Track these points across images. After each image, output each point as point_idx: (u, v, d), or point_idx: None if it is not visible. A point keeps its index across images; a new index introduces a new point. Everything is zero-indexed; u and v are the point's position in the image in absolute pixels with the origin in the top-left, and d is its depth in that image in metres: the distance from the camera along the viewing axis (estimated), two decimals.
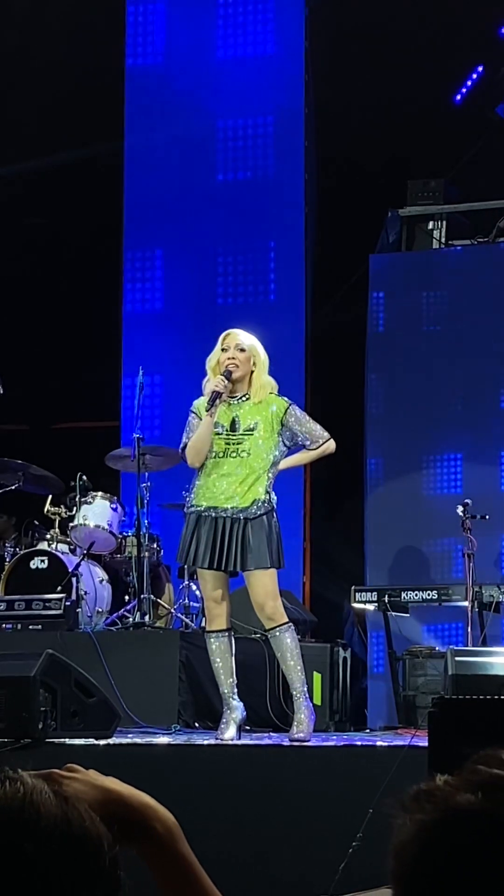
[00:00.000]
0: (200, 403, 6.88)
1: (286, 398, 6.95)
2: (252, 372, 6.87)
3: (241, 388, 6.87)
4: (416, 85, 10.71)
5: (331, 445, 6.96)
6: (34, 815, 1.43)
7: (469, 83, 11.06)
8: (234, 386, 6.86)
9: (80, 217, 11.49)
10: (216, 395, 6.74)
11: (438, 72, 10.83)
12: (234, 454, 6.81)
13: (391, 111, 10.73)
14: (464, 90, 11.06)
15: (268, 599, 6.74)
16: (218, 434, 6.82)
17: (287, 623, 6.79)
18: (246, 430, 6.81)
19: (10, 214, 11.67)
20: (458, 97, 11.06)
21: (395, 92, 10.72)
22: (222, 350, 6.86)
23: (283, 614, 6.80)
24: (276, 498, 6.87)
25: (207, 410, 6.77)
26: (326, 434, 6.93)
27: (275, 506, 6.84)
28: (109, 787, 1.60)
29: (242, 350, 6.84)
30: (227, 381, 6.77)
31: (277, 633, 6.76)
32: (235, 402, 6.87)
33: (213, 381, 6.80)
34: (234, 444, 6.81)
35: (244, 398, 6.87)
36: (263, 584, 6.74)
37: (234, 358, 6.81)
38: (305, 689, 6.85)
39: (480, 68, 11.01)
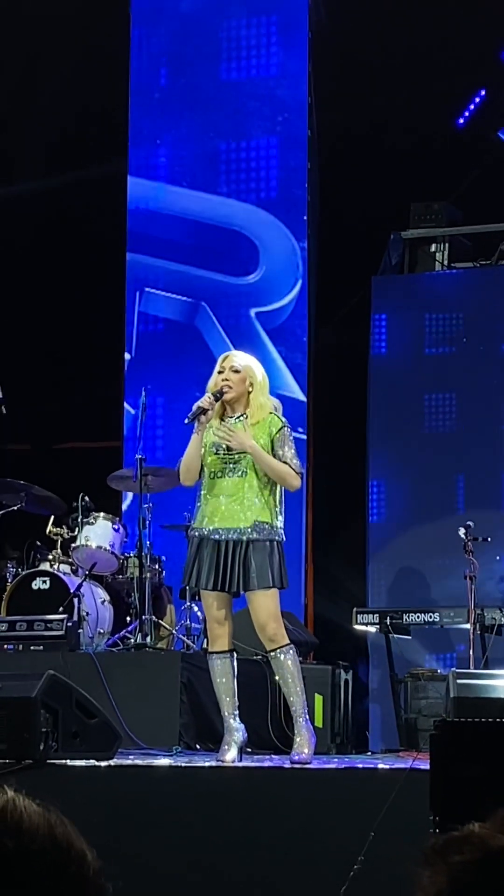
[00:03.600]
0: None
1: (284, 420, 6.94)
2: (249, 392, 6.87)
3: (239, 407, 6.88)
4: (418, 108, 10.75)
5: (296, 481, 6.89)
6: (17, 817, 1.45)
7: (471, 106, 11.09)
8: (232, 406, 6.87)
9: (82, 233, 11.52)
10: (200, 411, 6.75)
11: (441, 95, 10.86)
12: (232, 473, 6.80)
13: (394, 134, 10.76)
14: (466, 113, 11.09)
15: (269, 621, 6.74)
16: (215, 454, 6.82)
17: (288, 645, 6.78)
18: (242, 449, 6.81)
19: (13, 231, 11.70)
20: (461, 120, 11.09)
21: (398, 115, 10.75)
22: (218, 372, 6.88)
23: (285, 636, 6.80)
24: (282, 520, 6.86)
25: (187, 423, 6.78)
26: (300, 470, 6.89)
27: (281, 528, 6.83)
28: None
29: (237, 371, 6.85)
30: (213, 400, 6.78)
31: (279, 655, 6.76)
32: (233, 420, 6.87)
33: (202, 399, 6.82)
34: (231, 463, 6.81)
35: (242, 417, 6.87)
36: (266, 606, 6.73)
37: (227, 379, 6.83)
38: (306, 711, 6.84)
39: (483, 92, 11.05)
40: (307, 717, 6.84)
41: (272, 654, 6.79)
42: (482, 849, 1.47)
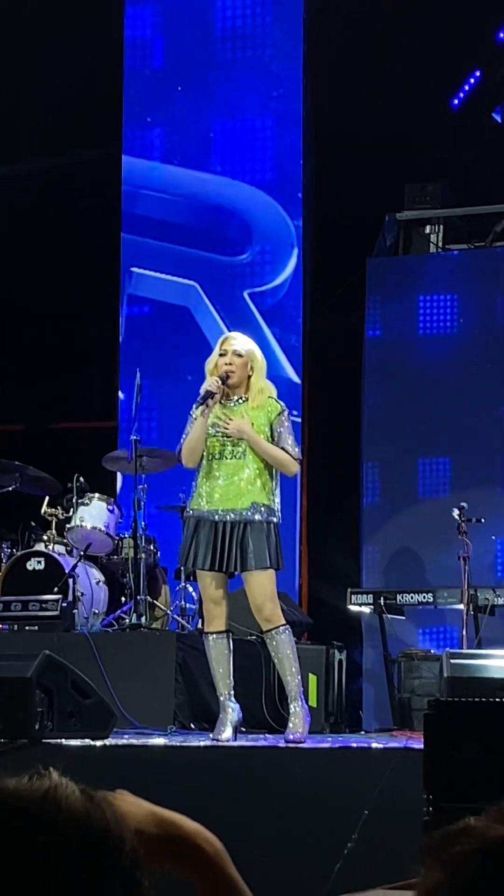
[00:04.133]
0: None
1: (282, 403, 6.97)
2: (249, 376, 6.90)
3: (239, 391, 6.90)
4: (413, 89, 10.74)
5: (294, 467, 6.93)
6: (53, 809, 1.44)
7: (467, 88, 11.08)
8: (232, 389, 6.89)
9: (76, 214, 11.51)
10: (209, 395, 6.76)
11: (436, 76, 10.85)
12: (231, 456, 6.83)
13: (389, 115, 10.75)
14: (461, 95, 11.08)
15: (266, 601, 6.77)
16: (213, 436, 6.84)
17: (284, 625, 6.81)
18: (240, 436, 6.82)
19: (8, 211, 11.69)
20: (456, 102, 11.08)
21: (393, 96, 10.74)
22: (220, 354, 6.89)
23: (281, 616, 6.83)
24: (279, 501, 6.88)
25: (197, 407, 6.80)
26: (297, 455, 6.91)
27: (277, 510, 6.85)
28: (159, 811, 1.64)
29: (240, 355, 6.87)
30: (220, 383, 6.80)
31: (274, 635, 6.79)
32: (232, 404, 6.89)
33: (207, 381, 6.83)
34: (230, 445, 6.83)
35: (241, 401, 6.89)
36: (262, 586, 6.76)
37: (230, 363, 6.84)
38: (301, 690, 6.87)
39: (478, 73, 11.04)
40: (302, 696, 6.88)
41: (268, 634, 6.81)
42: (480, 840, 1.49)
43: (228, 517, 6.77)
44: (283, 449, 6.82)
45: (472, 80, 11.08)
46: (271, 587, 6.80)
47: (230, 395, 6.90)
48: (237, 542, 6.75)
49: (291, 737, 6.73)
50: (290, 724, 6.80)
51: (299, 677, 6.87)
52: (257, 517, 6.75)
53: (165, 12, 11.30)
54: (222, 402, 6.87)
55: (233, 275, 10.96)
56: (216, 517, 6.79)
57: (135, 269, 11.13)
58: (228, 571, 6.82)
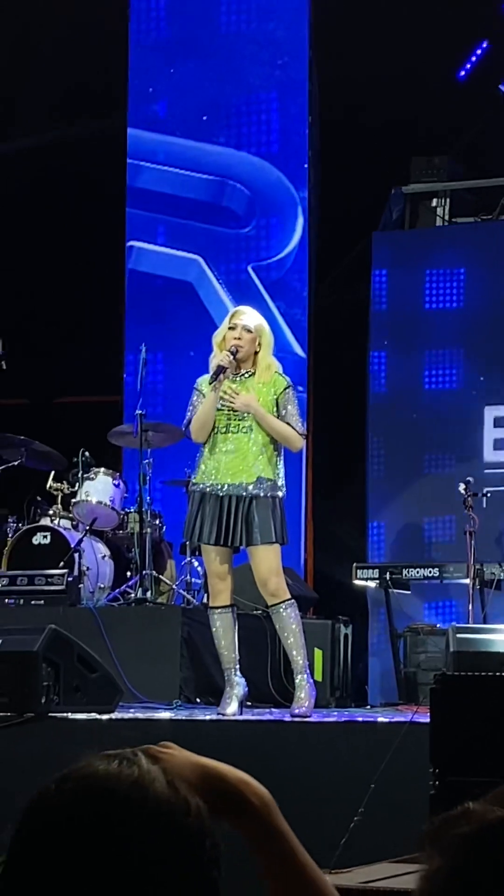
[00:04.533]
0: (204, 380, 6.89)
1: (288, 379, 6.96)
2: (257, 352, 6.89)
3: (246, 365, 6.90)
4: (420, 61, 10.67)
5: (299, 442, 6.93)
6: (141, 797, 1.45)
7: (473, 59, 11.02)
8: (239, 363, 6.87)
9: (81, 187, 11.46)
10: (221, 370, 6.75)
11: (443, 48, 10.78)
12: (237, 430, 6.82)
13: (395, 88, 10.69)
14: (468, 66, 11.02)
15: (271, 575, 6.76)
16: (220, 410, 6.83)
17: (289, 599, 6.81)
18: (246, 410, 6.81)
19: (13, 186, 11.65)
20: (463, 73, 11.02)
21: (400, 68, 10.67)
22: (230, 328, 6.88)
23: (286, 591, 6.82)
24: (283, 476, 6.87)
25: (210, 384, 6.78)
26: (302, 430, 6.92)
27: (282, 485, 6.85)
28: (206, 764, 1.62)
29: (249, 331, 6.86)
30: (232, 358, 6.79)
31: (280, 610, 6.78)
32: (239, 378, 6.88)
33: (219, 356, 6.82)
34: (235, 419, 6.82)
35: (248, 375, 6.88)
36: (267, 560, 6.75)
37: (239, 338, 6.83)
38: (307, 665, 6.87)
39: (484, 44, 10.97)
40: (308, 671, 6.87)
41: (273, 608, 6.81)
42: (479, 823, 1.48)
43: (234, 491, 6.76)
44: (288, 424, 6.81)
45: (478, 52, 11.02)
46: (277, 562, 6.80)
47: (237, 370, 6.89)
48: (242, 516, 6.74)
49: (297, 711, 6.73)
50: (296, 699, 6.80)
51: (305, 651, 6.87)
52: (262, 492, 6.75)
53: None
54: (229, 376, 6.86)
55: (237, 248, 10.92)
56: (221, 491, 6.78)
57: (138, 244, 11.08)
58: (233, 546, 6.82)
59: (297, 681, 6.84)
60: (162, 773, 1.49)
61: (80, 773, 1.47)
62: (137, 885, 1.41)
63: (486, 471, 9.87)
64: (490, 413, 10.11)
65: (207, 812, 1.49)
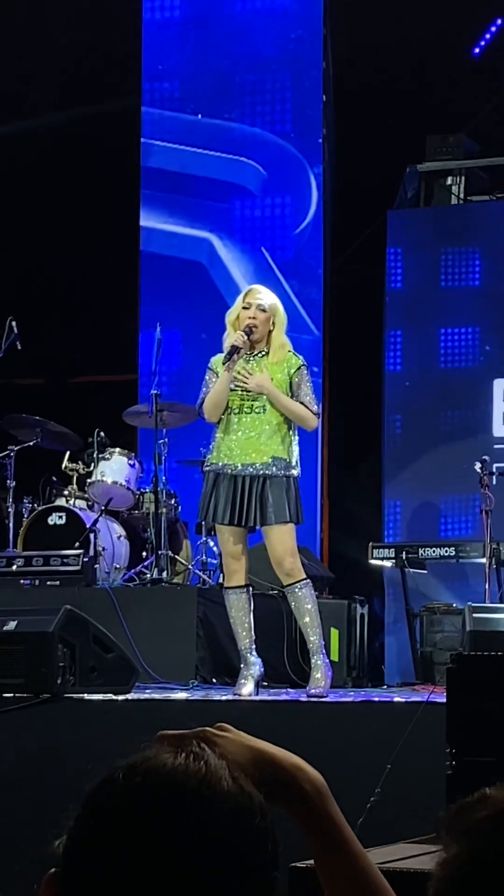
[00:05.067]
0: (218, 360, 6.87)
1: (301, 358, 6.93)
2: (271, 331, 6.86)
3: (259, 345, 6.87)
4: (434, 38, 10.62)
5: (313, 422, 6.90)
6: (209, 794, 1.44)
7: (488, 37, 10.96)
8: (253, 343, 6.85)
9: (96, 166, 11.44)
10: (234, 350, 6.73)
11: (457, 25, 10.72)
12: (250, 410, 6.80)
13: (409, 65, 10.64)
14: (483, 44, 10.96)
15: (286, 555, 6.75)
16: (233, 390, 6.81)
17: (305, 579, 6.79)
18: (259, 391, 6.79)
19: (27, 166, 11.63)
20: (477, 51, 10.96)
21: (413, 46, 10.62)
22: (244, 308, 6.85)
23: (302, 570, 6.81)
24: (297, 455, 6.85)
25: (224, 364, 6.76)
26: (316, 410, 6.89)
27: (296, 464, 6.83)
28: (260, 748, 1.62)
29: (263, 310, 6.83)
30: (246, 338, 6.76)
31: (295, 590, 6.77)
32: (253, 358, 6.85)
33: (233, 336, 6.79)
34: (249, 400, 6.80)
35: (262, 355, 6.86)
36: (282, 540, 6.74)
37: (254, 317, 6.80)
38: (323, 644, 6.86)
39: (499, 21, 10.91)
40: (324, 650, 6.86)
41: (289, 588, 6.80)
42: (497, 808, 1.47)
43: (248, 471, 6.75)
44: (302, 404, 6.79)
45: (493, 29, 10.95)
46: (291, 541, 6.78)
47: (251, 349, 6.86)
48: (257, 496, 6.72)
49: (313, 691, 6.72)
50: (312, 679, 6.80)
51: (320, 631, 6.86)
52: (276, 471, 6.73)
53: None
54: (243, 356, 6.84)
55: (252, 227, 10.89)
56: (235, 471, 6.77)
57: (151, 224, 11.06)
58: (248, 526, 6.80)
59: (312, 661, 6.83)
60: (227, 768, 1.48)
61: (148, 766, 1.47)
62: (198, 884, 1.41)
63: (497, 446, 9.85)
64: (500, 386, 10.07)
65: (263, 801, 1.49)
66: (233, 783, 1.47)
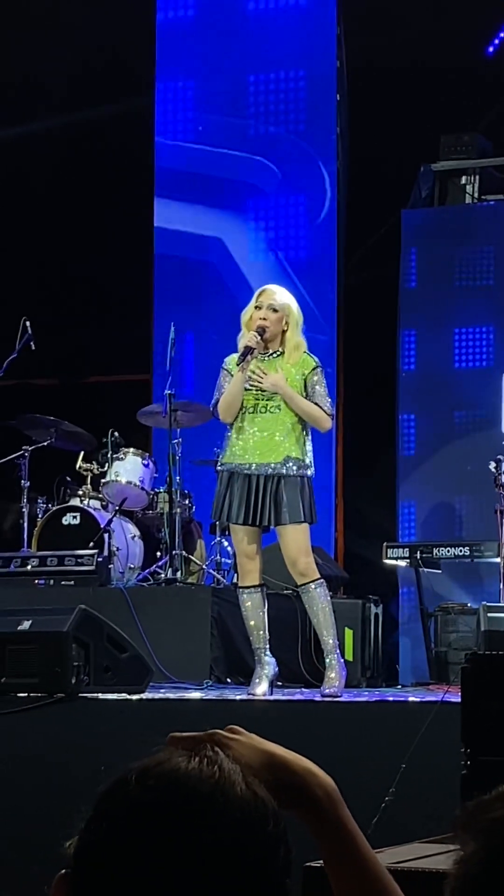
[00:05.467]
0: (232, 360, 6.87)
1: (316, 359, 6.92)
2: (284, 331, 6.85)
3: (273, 345, 6.86)
4: (447, 38, 10.60)
5: (327, 423, 6.88)
6: (222, 799, 1.43)
7: (502, 35, 10.94)
8: (267, 343, 6.84)
9: (109, 166, 11.44)
10: (248, 351, 6.72)
11: (471, 24, 10.70)
12: (265, 410, 6.80)
13: (423, 65, 10.62)
14: (496, 42, 10.94)
15: (300, 555, 6.74)
16: (248, 390, 6.80)
17: (319, 579, 6.79)
18: (274, 391, 6.79)
19: (42, 168, 11.64)
20: (491, 49, 10.94)
21: (427, 45, 10.61)
22: (256, 308, 6.84)
23: (316, 570, 6.80)
24: (311, 455, 6.85)
25: (238, 365, 6.75)
26: (330, 411, 6.87)
27: (310, 464, 6.82)
28: (272, 752, 1.61)
29: (275, 310, 6.82)
30: (259, 338, 6.76)
31: (309, 590, 6.77)
32: (267, 358, 6.85)
33: (246, 337, 6.79)
34: (263, 399, 6.80)
35: (276, 355, 6.85)
36: (296, 540, 6.73)
37: (265, 318, 6.79)
38: (337, 644, 6.86)
39: None
40: (338, 650, 6.86)
41: (303, 588, 6.80)
42: None
43: (262, 471, 6.74)
44: (316, 404, 6.78)
45: None
46: (305, 541, 6.78)
47: (265, 349, 6.86)
48: (271, 496, 6.72)
49: (328, 691, 6.72)
50: (327, 679, 6.79)
51: (335, 631, 6.85)
52: (291, 471, 6.72)
53: None
54: (256, 356, 6.83)
55: (265, 227, 10.89)
56: (249, 471, 6.76)
57: (163, 225, 11.06)
58: (262, 525, 6.80)
59: (327, 660, 6.83)
60: (240, 773, 1.47)
61: (161, 769, 1.45)
62: (210, 889, 1.40)
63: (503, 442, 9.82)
64: None
65: (276, 807, 1.48)
66: (246, 788, 1.46)
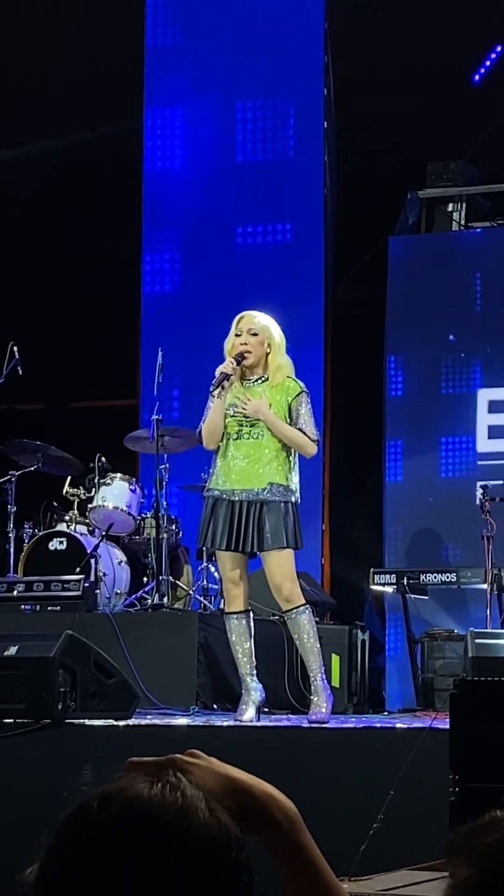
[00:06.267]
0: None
1: (302, 384, 6.92)
2: (267, 354, 6.84)
3: (257, 370, 6.86)
4: (434, 65, 10.65)
5: (311, 449, 6.87)
6: (184, 827, 1.42)
7: (488, 63, 11.00)
8: (251, 368, 6.84)
9: (97, 192, 11.46)
10: (223, 377, 6.72)
11: (457, 52, 10.76)
12: (248, 436, 6.79)
13: (411, 92, 10.67)
14: (482, 70, 11.00)
15: (285, 581, 6.74)
16: (232, 416, 6.80)
17: (304, 605, 6.78)
18: (256, 417, 6.78)
19: (30, 191, 11.66)
20: (477, 77, 11.00)
21: (414, 72, 10.66)
22: (235, 335, 6.84)
23: (301, 596, 6.79)
24: (298, 481, 6.84)
25: (212, 391, 6.76)
26: (316, 437, 6.86)
27: (296, 489, 6.81)
28: (232, 776, 1.59)
29: (255, 334, 6.82)
30: (236, 364, 6.75)
31: (294, 615, 6.76)
32: (251, 384, 6.85)
33: (224, 363, 6.79)
34: (247, 426, 6.79)
35: (260, 381, 6.85)
36: (280, 566, 6.72)
37: (246, 343, 6.79)
38: (322, 670, 6.84)
39: (498, 48, 10.95)
40: (324, 676, 6.85)
41: (288, 614, 6.79)
42: None
43: (246, 497, 6.74)
44: (300, 430, 6.77)
45: (492, 56, 10.99)
46: (290, 567, 6.77)
47: (248, 375, 6.85)
48: (254, 522, 6.72)
49: (314, 717, 6.71)
50: (313, 705, 6.78)
51: (320, 657, 6.84)
52: (274, 497, 6.72)
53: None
54: (241, 381, 6.84)
55: (252, 253, 10.90)
56: (234, 497, 6.76)
57: (151, 254, 11.08)
58: (246, 552, 6.79)
59: (313, 687, 6.82)
60: (203, 799, 1.46)
61: (123, 796, 1.44)
62: None
63: (480, 462, 9.84)
64: (485, 397, 10.06)
65: (239, 833, 1.47)
66: (209, 815, 1.44)
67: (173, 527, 9.23)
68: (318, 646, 6.84)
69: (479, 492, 8.69)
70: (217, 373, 6.78)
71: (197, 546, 8.58)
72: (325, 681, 6.85)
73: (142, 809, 1.42)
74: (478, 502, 8.69)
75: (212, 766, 1.58)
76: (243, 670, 6.86)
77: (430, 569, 9.13)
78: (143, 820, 1.41)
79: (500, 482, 9.37)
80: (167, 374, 9.48)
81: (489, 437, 9.97)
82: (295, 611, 6.75)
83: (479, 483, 8.91)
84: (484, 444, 9.98)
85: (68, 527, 9.21)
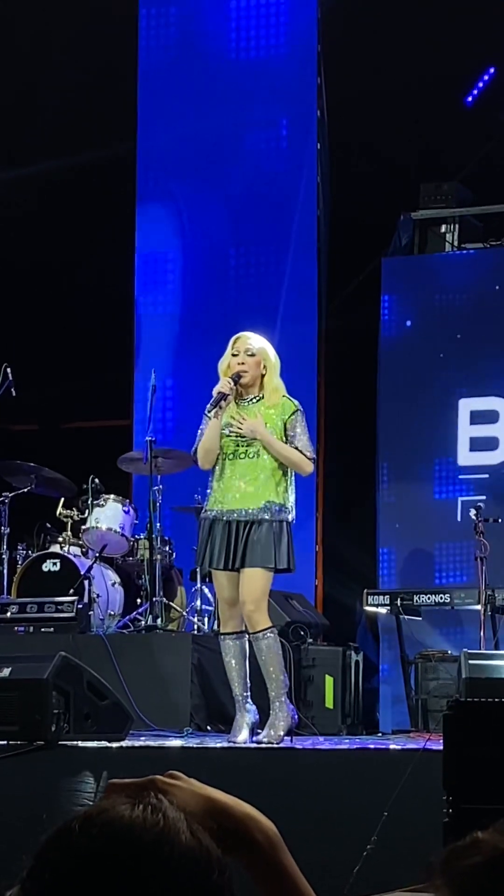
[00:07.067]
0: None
1: (297, 402, 6.93)
2: (263, 375, 6.86)
3: (253, 390, 6.88)
4: (427, 87, 10.69)
5: (308, 467, 6.88)
6: (167, 849, 1.41)
7: (480, 85, 11.04)
8: (247, 388, 6.86)
9: (91, 214, 11.48)
10: (221, 397, 6.74)
11: (450, 73, 10.80)
12: (244, 455, 6.80)
13: (404, 114, 10.71)
14: (475, 91, 11.04)
15: (248, 601, 6.68)
16: (227, 435, 6.81)
17: (269, 628, 6.74)
18: (253, 436, 6.79)
19: (26, 213, 11.67)
20: (470, 99, 11.04)
21: (407, 94, 10.70)
22: (232, 355, 6.86)
23: (266, 620, 6.75)
24: (293, 500, 6.84)
25: (209, 412, 6.77)
26: (312, 455, 6.88)
27: (291, 508, 6.81)
28: (212, 797, 1.59)
29: (252, 355, 6.84)
30: (233, 384, 6.77)
31: (259, 639, 6.72)
32: (247, 403, 6.86)
33: (220, 383, 6.81)
34: (243, 445, 6.81)
35: (255, 400, 6.86)
36: (252, 583, 6.69)
37: (243, 363, 6.81)
38: (285, 693, 6.79)
39: (492, 70, 10.99)
40: (286, 697, 6.80)
41: (253, 636, 6.74)
42: (491, 852, 1.45)
43: (241, 517, 6.74)
44: (296, 449, 6.79)
45: (485, 78, 11.03)
46: (260, 588, 6.72)
47: (244, 395, 6.87)
48: (244, 539, 6.71)
49: (263, 738, 6.66)
50: (268, 725, 6.73)
51: (285, 678, 6.79)
52: (268, 516, 6.72)
53: (180, 13, 11.26)
54: (237, 401, 6.85)
55: (246, 274, 10.92)
56: (230, 517, 6.76)
57: (144, 280, 11.10)
58: (238, 570, 6.77)
59: (272, 708, 6.76)
60: (184, 821, 1.45)
61: (104, 818, 1.43)
62: None
63: (461, 476, 9.84)
64: (466, 407, 10.06)
65: (221, 854, 1.46)
66: (191, 836, 1.44)
67: (167, 548, 9.23)
68: (283, 666, 6.77)
69: (472, 512, 8.69)
70: (214, 392, 6.80)
71: (195, 566, 8.58)
72: (289, 703, 6.81)
73: (124, 831, 1.42)
74: (471, 523, 8.69)
75: (192, 787, 1.57)
76: (237, 692, 6.85)
77: (424, 590, 9.14)
78: (124, 842, 1.41)
79: (483, 497, 9.41)
80: (160, 396, 9.49)
81: (470, 450, 9.98)
82: (260, 634, 6.72)
83: (471, 507, 8.90)
84: (465, 457, 9.98)
85: (62, 548, 9.20)
